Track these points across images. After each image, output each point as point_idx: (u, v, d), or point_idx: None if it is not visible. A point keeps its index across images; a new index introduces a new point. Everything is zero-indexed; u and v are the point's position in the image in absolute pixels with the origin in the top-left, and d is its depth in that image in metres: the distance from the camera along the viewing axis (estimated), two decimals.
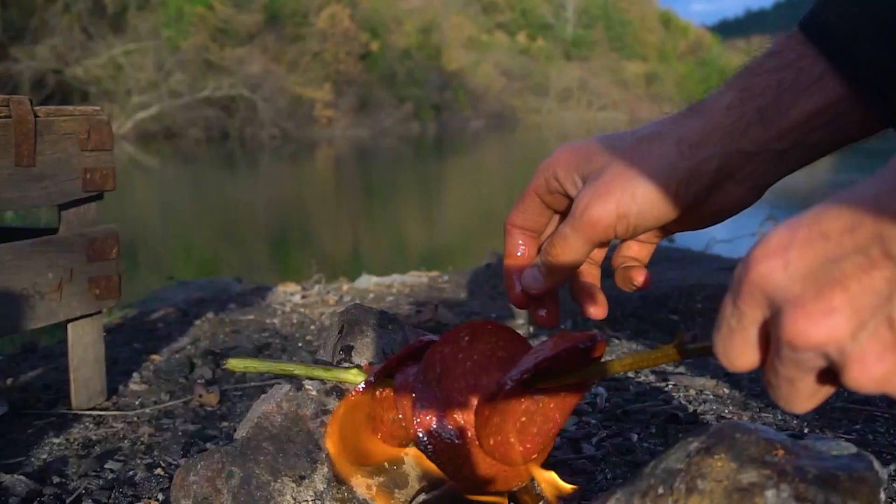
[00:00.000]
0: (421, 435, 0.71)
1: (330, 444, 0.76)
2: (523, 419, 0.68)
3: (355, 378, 0.77)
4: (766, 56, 0.64)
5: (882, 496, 0.65)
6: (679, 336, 0.56)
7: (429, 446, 0.71)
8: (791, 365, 0.37)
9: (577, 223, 0.66)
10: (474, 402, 0.69)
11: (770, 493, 0.64)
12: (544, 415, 0.68)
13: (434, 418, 0.70)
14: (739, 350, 0.40)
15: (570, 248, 0.67)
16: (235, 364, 0.77)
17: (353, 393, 0.74)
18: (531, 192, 0.71)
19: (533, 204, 0.71)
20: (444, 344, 0.71)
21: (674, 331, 1.77)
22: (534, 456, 0.70)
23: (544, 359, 0.64)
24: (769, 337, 0.38)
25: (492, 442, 0.67)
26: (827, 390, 0.38)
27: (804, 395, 0.38)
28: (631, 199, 0.63)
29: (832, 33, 0.58)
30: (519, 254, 0.74)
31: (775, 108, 0.60)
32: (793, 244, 0.35)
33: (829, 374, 0.37)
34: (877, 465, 0.67)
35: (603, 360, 0.65)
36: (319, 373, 0.80)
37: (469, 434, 0.69)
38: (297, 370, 0.80)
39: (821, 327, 0.34)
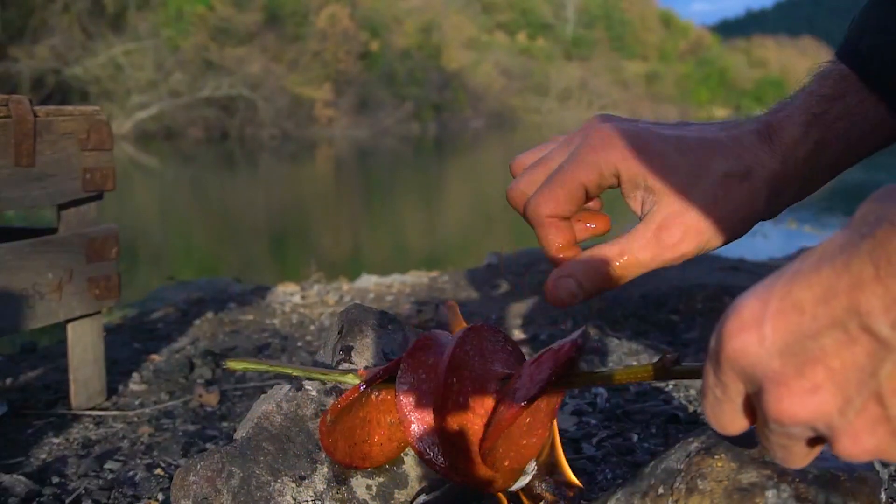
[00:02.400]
0: (419, 440, 0.71)
1: (325, 446, 0.76)
2: (524, 430, 0.68)
3: (352, 381, 0.77)
4: (832, 100, 0.67)
5: (882, 496, 0.65)
6: (663, 358, 0.56)
7: (427, 451, 0.71)
8: (782, 436, 0.37)
9: (663, 255, 0.65)
10: (474, 407, 0.69)
11: (770, 493, 0.64)
12: (539, 423, 0.69)
13: (433, 424, 0.70)
14: (729, 418, 0.39)
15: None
16: (234, 364, 0.78)
17: (345, 396, 0.74)
18: (578, 182, 0.63)
19: (576, 194, 0.64)
20: (443, 348, 0.71)
21: (672, 335, 1.77)
22: (516, 466, 0.71)
23: (550, 376, 0.63)
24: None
25: (506, 463, 0.68)
26: (822, 446, 0.38)
27: (799, 456, 0.38)
28: (710, 240, 0.64)
29: (889, 77, 0.64)
30: (560, 245, 0.66)
31: (845, 159, 0.67)
32: (765, 317, 0.34)
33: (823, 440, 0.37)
34: (877, 465, 0.67)
35: (591, 368, 0.65)
36: (317, 375, 0.80)
37: (467, 439, 0.69)
38: (295, 372, 0.80)
39: (807, 406, 0.34)
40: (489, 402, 0.69)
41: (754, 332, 0.34)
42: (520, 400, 0.64)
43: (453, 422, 0.69)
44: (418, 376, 0.72)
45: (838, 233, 0.34)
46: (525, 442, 0.69)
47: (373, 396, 0.75)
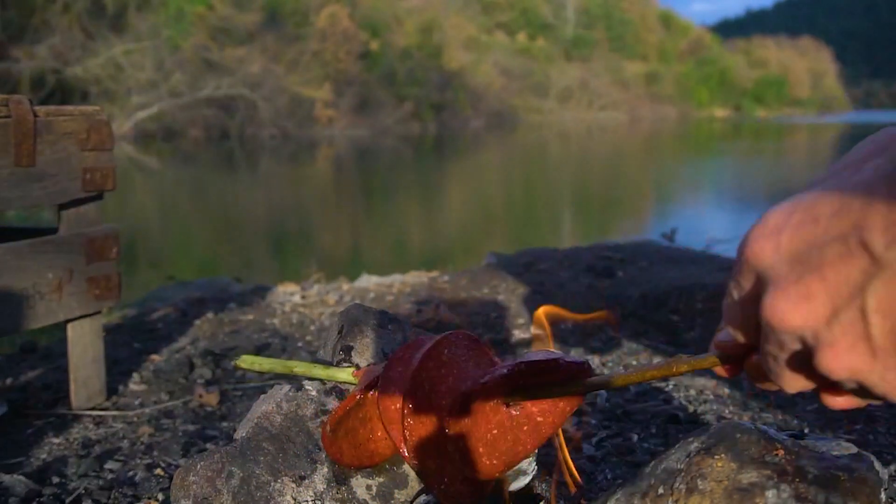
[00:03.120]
0: (392, 432, 0.71)
1: (332, 454, 0.77)
2: (494, 431, 0.67)
3: (348, 378, 0.77)
4: None
5: (882, 496, 0.65)
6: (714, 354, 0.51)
7: (413, 460, 0.71)
8: (774, 343, 0.38)
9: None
10: (438, 404, 0.69)
11: (770, 493, 0.64)
12: (515, 435, 0.67)
13: (418, 432, 0.70)
14: (739, 322, 0.41)
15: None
16: (245, 361, 0.79)
17: (342, 406, 0.75)
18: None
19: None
20: (426, 359, 0.71)
21: (674, 331, 1.77)
22: (497, 473, 0.69)
23: (523, 362, 0.63)
24: None
25: (459, 445, 0.67)
26: (812, 374, 0.38)
27: (788, 372, 0.39)
28: None
29: None
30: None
31: None
32: (787, 226, 0.36)
33: (810, 357, 0.37)
34: (877, 465, 0.67)
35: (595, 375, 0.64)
36: (318, 371, 0.81)
37: (430, 433, 0.69)
38: (298, 368, 0.81)
39: (797, 312, 0.35)
40: (454, 400, 0.68)
41: (773, 238, 0.36)
42: (493, 377, 0.64)
43: (418, 417, 0.69)
44: (397, 372, 0.72)
45: (875, 161, 0.35)
46: (494, 442, 0.69)
47: (369, 394, 0.75)
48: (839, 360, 0.34)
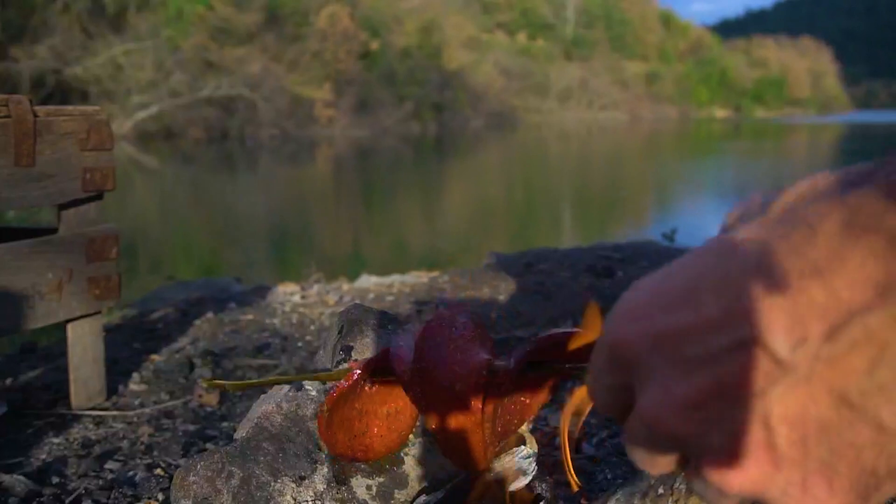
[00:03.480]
0: (429, 420, 0.70)
1: (325, 439, 0.76)
2: (512, 406, 0.68)
3: (341, 376, 0.76)
4: None
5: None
6: None
7: (437, 431, 0.70)
8: (647, 439, 0.32)
9: None
10: (473, 383, 0.68)
11: None
12: (519, 406, 0.70)
13: (438, 404, 0.69)
14: (608, 406, 0.36)
15: None
16: (210, 384, 0.74)
17: (339, 387, 0.74)
18: None
19: None
20: (434, 334, 0.70)
21: None
22: (500, 440, 0.70)
23: (546, 339, 0.64)
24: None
25: (474, 412, 0.67)
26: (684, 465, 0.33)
27: (654, 462, 0.33)
28: None
29: None
30: None
31: None
32: (658, 309, 0.30)
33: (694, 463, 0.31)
34: None
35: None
36: (306, 377, 0.80)
37: (472, 416, 0.69)
38: (280, 380, 0.81)
39: (680, 418, 0.29)
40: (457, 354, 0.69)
41: (643, 323, 0.30)
42: (517, 359, 0.64)
43: (457, 402, 0.68)
44: (416, 361, 0.72)
45: (740, 229, 0.29)
46: (508, 416, 0.70)
47: (367, 388, 0.74)
48: (735, 474, 0.28)
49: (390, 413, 0.75)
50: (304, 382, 0.84)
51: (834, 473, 0.27)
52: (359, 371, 0.73)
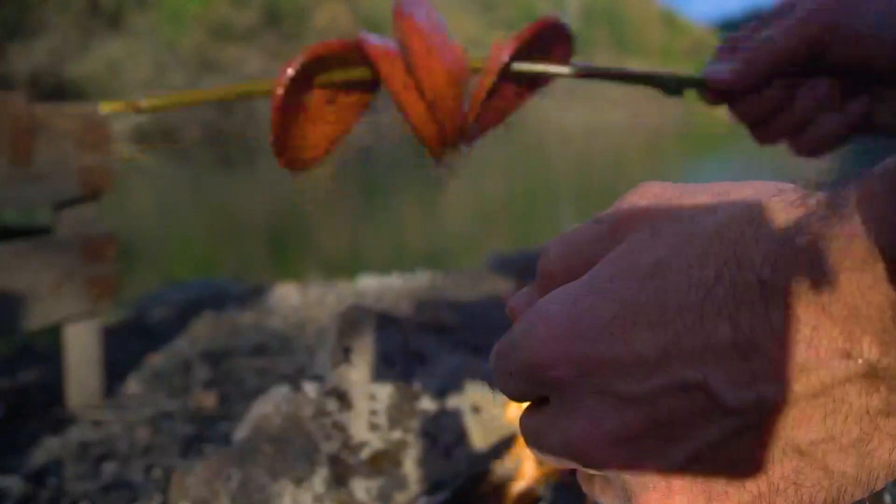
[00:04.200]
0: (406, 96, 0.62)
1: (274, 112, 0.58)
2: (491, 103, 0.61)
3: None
4: None
5: (888, 499, 0.64)
6: None
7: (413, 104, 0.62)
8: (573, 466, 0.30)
9: None
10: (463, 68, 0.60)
11: None
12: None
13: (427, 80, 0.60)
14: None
15: None
16: (108, 106, 0.55)
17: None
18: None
19: None
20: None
21: None
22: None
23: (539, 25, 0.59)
24: None
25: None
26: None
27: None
28: None
29: None
30: None
31: None
32: (584, 334, 0.28)
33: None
34: None
35: None
36: (239, 90, 0.61)
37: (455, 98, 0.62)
38: (204, 96, 0.62)
39: (610, 452, 0.27)
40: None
41: (567, 345, 0.27)
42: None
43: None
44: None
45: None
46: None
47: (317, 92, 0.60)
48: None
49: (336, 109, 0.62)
50: (302, 384, 0.84)
51: None
52: (290, 70, 0.55)
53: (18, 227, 1.38)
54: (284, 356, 1.67)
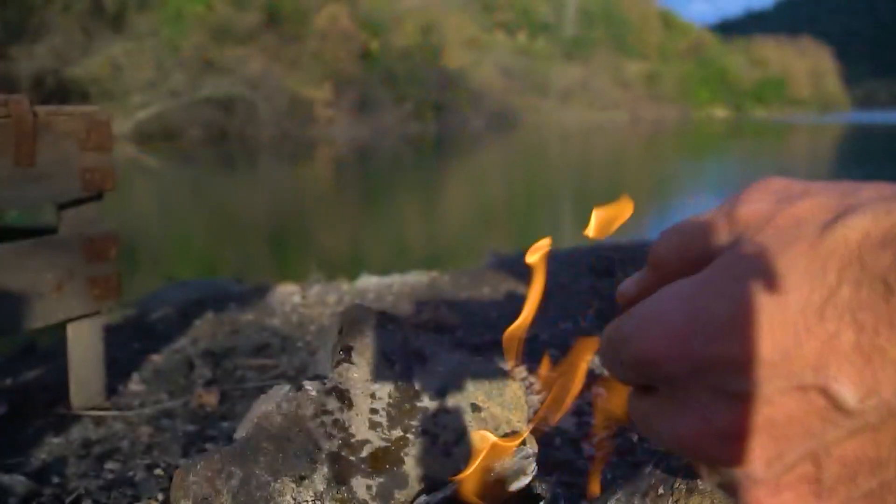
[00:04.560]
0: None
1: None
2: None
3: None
4: None
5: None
6: None
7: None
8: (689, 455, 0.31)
9: None
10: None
11: None
12: None
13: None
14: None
15: None
16: None
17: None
18: None
19: None
20: None
21: None
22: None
23: None
24: None
25: None
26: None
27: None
28: None
29: None
30: None
31: None
32: (699, 334, 0.28)
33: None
34: None
35: None
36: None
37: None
38: None
39: (721, 447, 0.28)
40: None
41: (680, 344, 0.28)
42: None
43: None
44: None
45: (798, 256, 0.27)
46: None
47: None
48: (772, 500, 0.28)
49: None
50: (303, 383, 0.84)
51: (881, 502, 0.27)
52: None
53: (22, 227, 1.39)
54: (285, 355, 1.68)
